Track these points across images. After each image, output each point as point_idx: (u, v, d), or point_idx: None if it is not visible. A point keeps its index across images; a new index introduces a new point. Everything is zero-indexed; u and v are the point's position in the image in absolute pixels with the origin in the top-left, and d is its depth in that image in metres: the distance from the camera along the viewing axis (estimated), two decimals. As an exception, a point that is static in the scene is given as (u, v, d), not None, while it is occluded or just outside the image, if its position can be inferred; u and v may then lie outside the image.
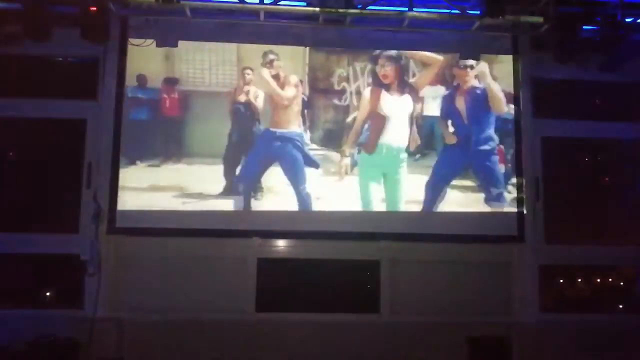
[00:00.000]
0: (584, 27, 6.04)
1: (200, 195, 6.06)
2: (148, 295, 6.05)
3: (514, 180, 6.41)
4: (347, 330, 6.11)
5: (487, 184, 5.54)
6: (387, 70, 5.61)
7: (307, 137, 5.91)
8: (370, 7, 6.02)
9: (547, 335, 6.18)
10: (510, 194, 5.87)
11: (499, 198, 5.54)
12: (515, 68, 6.60)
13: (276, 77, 6.08)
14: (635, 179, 6.93)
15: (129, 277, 6.10)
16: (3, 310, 6.01)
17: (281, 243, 6.35)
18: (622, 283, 6.89)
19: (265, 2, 5.95)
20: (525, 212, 6.44)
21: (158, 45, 6.31)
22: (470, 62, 6.13)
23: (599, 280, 6.91)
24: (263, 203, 6.14)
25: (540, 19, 6.06)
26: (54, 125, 6.33)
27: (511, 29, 6.40)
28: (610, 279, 6.92)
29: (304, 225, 6.27)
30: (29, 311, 6.01)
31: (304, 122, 5.93)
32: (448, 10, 6.11)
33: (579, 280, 6.89)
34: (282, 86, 6.06)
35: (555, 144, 6.69)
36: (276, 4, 5.98)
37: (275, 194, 6.09)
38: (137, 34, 6.28)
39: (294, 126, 5.96)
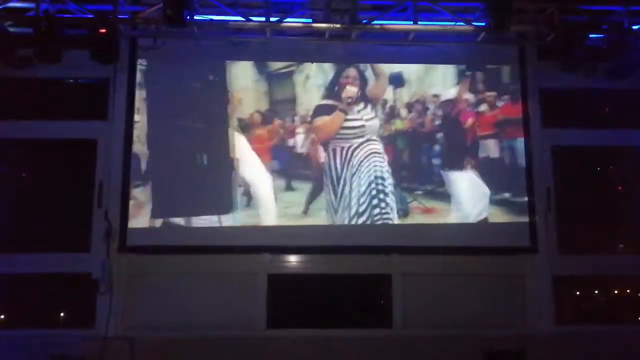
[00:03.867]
0: (591, 35, 6.02)
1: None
2: (159, 313, 6.04)
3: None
4: (360, 346, 6.04)
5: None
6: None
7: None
8: (375, 22, 6.06)
9: (563, 348, 6.05)
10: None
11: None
12: (522, 78, 6.60)
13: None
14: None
15: (140, 295, 6.11)
16: (15, 330, 6.06)
17: (292, 258, 6.33)
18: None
19: (271, 19, 6.01)
20: (537, 222, 6.38)
21: (167, 65, 6.42)
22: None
23: (615, 290, 6.77)
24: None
25: (545, 29, 6.06)
26: (65, 145, 6.43)
27: (517, 39, 6.41)
28: (627, 290, 6.78)
29: (314, 240, 6.25)
30: (41, 331, 6.01)
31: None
32: (453, 23, 6.13)
33: (595, 291, 6.76)
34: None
35: (566, 153, 6.64)
36: (282, 21, 6.05)
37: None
38: (146, 55, 6.38)
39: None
